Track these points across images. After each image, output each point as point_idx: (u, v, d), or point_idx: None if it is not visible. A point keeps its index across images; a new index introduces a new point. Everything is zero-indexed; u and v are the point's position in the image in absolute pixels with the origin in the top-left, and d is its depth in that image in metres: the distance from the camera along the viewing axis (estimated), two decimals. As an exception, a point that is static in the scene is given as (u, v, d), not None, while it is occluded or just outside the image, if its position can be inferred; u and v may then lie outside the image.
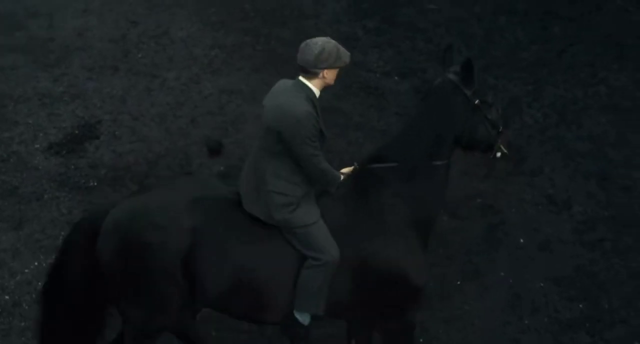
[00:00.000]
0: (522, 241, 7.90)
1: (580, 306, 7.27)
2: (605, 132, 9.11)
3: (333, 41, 5.32)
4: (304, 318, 5.58)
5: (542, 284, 7.46)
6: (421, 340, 6.88)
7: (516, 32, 10.79)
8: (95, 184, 8.40)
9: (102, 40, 10.60)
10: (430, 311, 7.04)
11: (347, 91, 9.68)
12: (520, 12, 11.16)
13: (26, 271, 7.43)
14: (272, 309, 5.54)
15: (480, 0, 11.38)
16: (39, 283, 7.16)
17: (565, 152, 8.86)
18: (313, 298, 5.44)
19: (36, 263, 7.49)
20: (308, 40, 5.31)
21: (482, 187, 8.33)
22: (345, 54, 5.35)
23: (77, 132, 9.08)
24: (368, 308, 5.69)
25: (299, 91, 5.31)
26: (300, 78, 5.36)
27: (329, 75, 5.35)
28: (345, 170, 5.72)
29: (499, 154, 5.75)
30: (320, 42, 5.25)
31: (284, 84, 5.47)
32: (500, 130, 5.69)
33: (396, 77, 10.08)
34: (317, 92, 5.36)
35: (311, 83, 5.33)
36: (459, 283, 7.49)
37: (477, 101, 5.51)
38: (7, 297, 7.20)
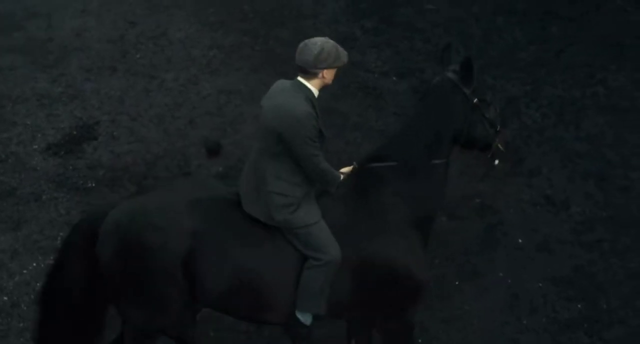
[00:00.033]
0: (520, 241, 7.90)
1: (579, 306, 7.27)
2: (603, 133, 9.11)
3: (331, 41, 5.33)
4: (305, 318, 5.58)
5: (540, 285, 7.46)
6: (420, 340, 6.88)
7: (514, 32, 10.80)
8: (94, 184, 8.40)
9: (100, 40, 10.60)
10: (429, 312, 7.04)
11: (345, 91, 9.68)
12: (518, 12, 11.17)
13: (24, 271, 7.43)
14: (273, 309, 5.55)
15: (479, 1, 11.39)
16: (38, 284, 7.17)
17: (564, 153, 8.86)
18: (315, 298, 5.44)
19: (34, 264, 7.49)
20: (306, 41, 5.31)
21: (480, 187, 8.33)
22: (344, 54, 5.36)
23: (75, 132, 9.08)
24: (369, 308, 5.70)
25: (298, 91, 5.32)
26: (299, 78, 5.36)
27: (328, 75, 5.36)
28: (344, 170, 5.74)
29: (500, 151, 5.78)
30: (319, 42, 5.26)
31: (282, 84, 5.47)
32: (498, 129, 5.72)
33: (394, 77, 10.08)
34: (316, 92, 5.36)
35: (310, 83, 5.33)
36: (457, 283, 7.49)
37: (475, 100, 5.54)
38: (5, 298, 7.20)
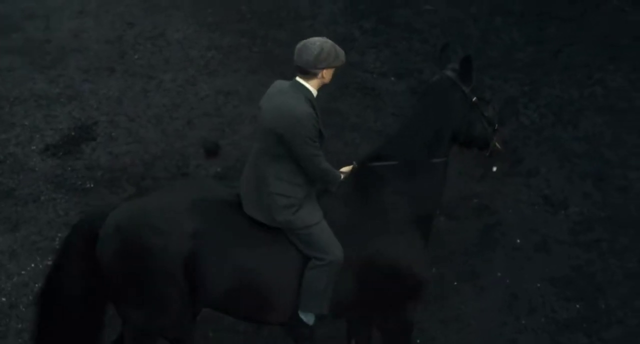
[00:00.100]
0: (518, 241, 7.90)
1: (577, 306, 7.28)
2: (601, 133, 9.12)
3: (330, 41, 5.34)
4: (308, 318, 5.58)
5: (538, 285, 7.46)
6: (418, 341, 6.88)
7: (512, 33, 10.80)
8: (92, 185, 8.40)
9: (98, 41, 10.60)
10: (427, 312, 7.04)
11: (344, 92, 9.69)
12: (516, 13, 11.18)
13: (23, 272, 7.42)
14: (275, 310, 5.55)
15: (476, 1, 11.40)
16: (36, 285, 7.16)
17: (562, 153, 8.87)
18: (317, 298, 5.45)
19: (33, 265, 7.48)
20: (305, 41, 5.31)
21: (478, 188, 8.34)
22: (342, 53, 5.38)
23: (73, 133, 9.07)
24: (371, 307, 5.71)
25: (297, 92, 5.32)
26: (298, 79, 5.36)
27: (327, 74, 5.37)
28: (345, 169, 5.76)
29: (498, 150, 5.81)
30: (319, 43, 5.27)
31: (280, 85, 5.47)
32: (496, 127, 5.74)
33: (393, 78, 10.08)
34: (314, 92, 5.37)
35: (309, 83, 5.34)
36: (455, 283, 7.49)
37: (474, 98, 5.57)
38: (4, 299, 7.19)
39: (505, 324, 7.12)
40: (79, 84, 9.83)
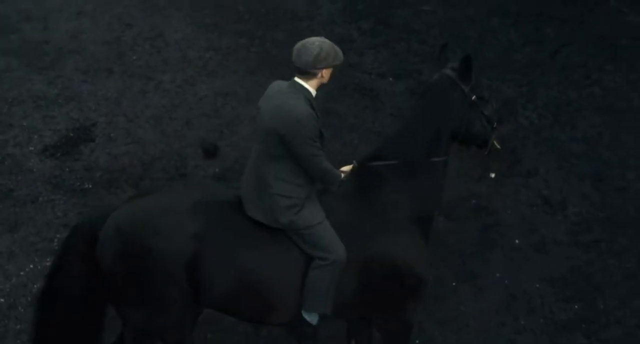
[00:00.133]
0: (517, 242, 7.91)
1: (576, 307, 7.28)
2: (599, 133, 9.13)
3: (328, 40, 5.35)
4: (312, 318, 5.59)
5: (537, 285, 7.47)
6: (417, 341, 6.88)
7: (509, 34, 10.81)
8: (90, 186, 8.39)
9: (96, 42, 10.60)
10: (426, 312, 7.04)
11: (342, 92, 9.69)
12: (513, 14, 11.19)
13: (21, 273, 7.42)
14: (279, 310, 5.56)
15: (474, 2, 11.40)
16: (35, 286, 7.16)
17: (560, 154, 8.88)
18: (321, 297, 5.46)
19: (31, 266, 7.48)
20: (303, 42, 5.31)
21: (477, 188, 8.34)
22: (340, 52, 5.39)
23: (71, 134, 9.07)
24: (372, 306, 5.72)
25: (296, 92, 5.32)
26: (296, 79, 5.37)
27: (326, 74, 5.38)
28: (344, 168, 5.77)
29: (496, 148, 5.85)
30: (317, 43, 5.27)
31: (279, 85, 5.47)
32: (494, 125, 5.78)
33: (391, 79, 10.09)
34: (313, 92, 5.38)
35: (308, 84, 5.34)
36: (454, 284, 7.50)
37: (474, 97, 5.60)
38: (2, 300, 7.18)
39: (503, 325, 7.12)
40: (77, 85, 9.83)
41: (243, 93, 9.69)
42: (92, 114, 9.38)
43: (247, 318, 5.82)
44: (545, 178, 8.60)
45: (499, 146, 5.83)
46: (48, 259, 7.45)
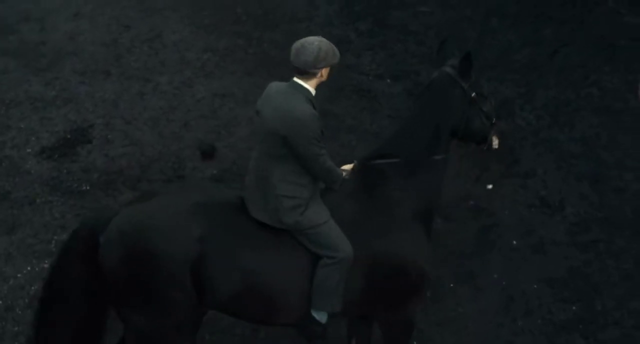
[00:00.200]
0: (515, 243, 7.90)
1: (574, 307, 7.28)
2: (597, 134, 9.12)
3: (325, 39, 5.36)
4: (321, 317, 5.59)
5: (535, 286, 7.47)
6: (415, 343, 6.87)
7: (508, 35, 10.80)
8: (88, 188, 8.39)
9: (94, 44, 10.59)
10: (424, 314, 7.04)
11: (340, 94, 9.69)
12: (511, 15, 11.18)
13: (19, 275, 7.41)
14: (285, 311, 5.56)
15: (472, 3, 11.40)
16: (32, 288, 7.16)
17: (558, 154, 8.87)
18: (330, 296, 5.47)
19: (29, 268, 7.47)
20: (302, 42, 5.32)
21: (475, 189, 8.34)
22: (337, 51, 5.41)
23: (69, 136, 9.06)
24: (377, 303, 5.73)
25: (296, 93, 5.32)
26: (295, 79, 5.37)
27: (325, 73, 5.41)
28: (346, 167, 5.80)
29: (495, 144, 5.89)
30: (316, 42, 5.28)
31: (277, 86, 5.46)
32: (493, 121, 5.82)
33: (389, 80, 10.08)
34: (313, 92, 5.39)
35: (308, 83, 5.35)
36: (452, 285, 7.49)
37: (473, 94, 5.64)
38: (0, 302, 7.18)
39: (502, 326, 7.12)
40: (74, 87, 9.82)
41: (241, 94, 9.68)
42: (90, 115, 9.37)
43: (252, 319, 5.79)
44: (543, 179, 8.59)
45: (497, 142, 5.87)
46: (46, 261, 7.44)
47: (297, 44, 5.31)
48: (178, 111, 9.48)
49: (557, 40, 10.65)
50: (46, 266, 7.38)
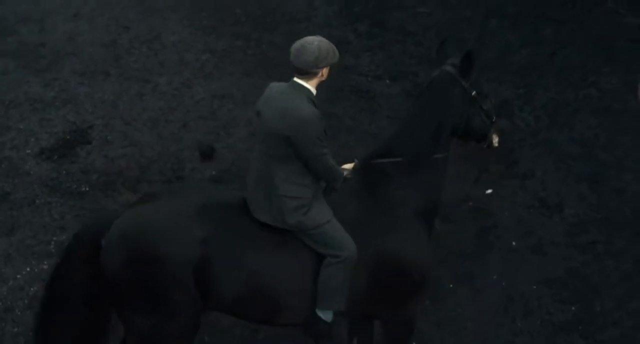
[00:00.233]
0: (514, 243, 7.90)
1: (573, 308, 7.28)
2: (596, 135, 9.12)
3: (324, 39, 5.37)
4: (326, 316, 5.59)
5: (534, 287, 7.46)
6: (414, 343, 6.88)
7: (507, 35, 10.80)
8: (87, 189, 8.39)
9: (93, 45, 10.59)
10: (423, 314, 7.03)
11: (339, 95, 9.69)
12: (511, 15, 11.18)
13: (18, 276, 7.41)
14: (289, 311, 5.56)
15: (471, 4, 11.40)
16: (31, 289, 7.16)
17: (557, 155, 8.87)
18: (335, 294, 5.47)
19: (28, 269, 7.46)
20: (301, 42, 5.31)
21: (474, 190, 8.34)
22: (336, 50, 5.42)
23: (68, 137, 9.06)
24: (380, 302, 5.74)
25: (297, 93, 5.32)
26: (296, 79, 5.36)
27: (326, 72, 5.41)
28: (346, 166, 5.81)
29: (495, 142, 5.92)
30: (316, 42, 5.29)
31: (277, 87, 5.46)
32: (493, 120, 5.84)
33: (387, 81, 10.09)
34: (314, 91, 5.38)
35: (308, 83, 5.35)
36: (451, 286, 7.50)
37: (474, 93, 5.66)
38: (-1, 303, 7.20)
39: (501, 327, 7.12)
40: (74, 88, 9.82)
41: (239, 95, 9.69)
42: (89, 116, 9.37)
43: (257, 320, 5.78)
44: (543, 180, 8.59)
45: (497, 140, 5.88)
46: (45, 262, 7.45)
47: (297, 44, 5.31)
48: (177, 112, 9.48)
49: (556, 41, 10.65)
50: (45, 267, 7.39)
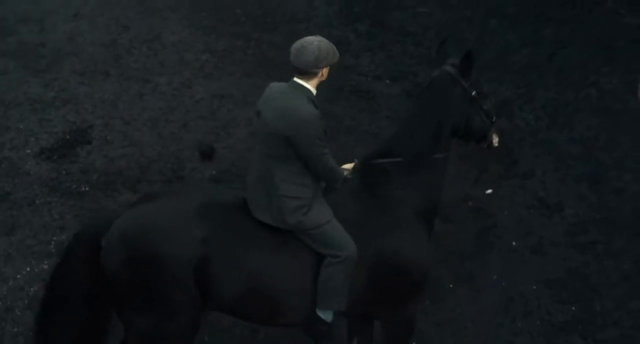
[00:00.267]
0: (514, 243, 7.91)
1: (573, 308, 7.28)
2: (596, 135, 9.12)
3: (323, 38, 5.38)
4: (327, 316, 5.59)
5: (534, 287, 7.47)
6: (414, 343, 6.88)
7: (507, 35, 10.81)
8: (87, 189, 8.39)
9: (93, 44, 10.60)
10: (423, 314, 7.04)
11: (339, 95, 9.69)
12: (511, 15, 11.18)
13: (18, 276, 7.41)
14: (289, 311, 5.56)
15: (471, 4, 11.40)
16: (32, 289, 7.16)
17: (557, 155, 8.87)
18: (336, 294, 5.47)
19: (28, 269, 7.47)
20: (301, 42, 5.31)
21: (474, 190, 8.34)
22: (336, 49, 5.42)
23: (68, 137, 9.06)
24: (380, 302, 5.74)
25: (298, 93, 5.32)
26: (296, 79, 5.36)
27: (326, 72, 5.41)
28: (346, 166, 5.81)
29: (495, 142, 5.93)
30: (316, 42, 5.29)
31: (278, 87, 5.46)
32: (493, 120, 5.85)
33: (387, 81, 10.09)
34: (314, 91, 5.38)
35: (309, 83, 5.35)
36: (451, 286, 7.50)
37: (474, 92, 5.66)
38: (-1, 303, 7.20)
39: (501, 327, 7.12)
40: (74, 88, 9.83)
41: (239, 95, 9.69)
42: (89, 116, 9.38)
43: (257, 320, 5.78)
44: (542, 180, 8.59)
45: (497, 140, 5.89)
46: (45, 262, 7.45)
47: (297, 44, 5.31)
48: (177, 112, 9.48)
49: (556, 41, 10.65)
50: (45, 267, 7.39)
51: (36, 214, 8.07)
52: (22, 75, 10.01)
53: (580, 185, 8.50)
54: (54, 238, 7.70)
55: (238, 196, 5.62)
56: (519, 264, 7.70)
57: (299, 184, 5.39)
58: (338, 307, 5.54)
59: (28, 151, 8.85)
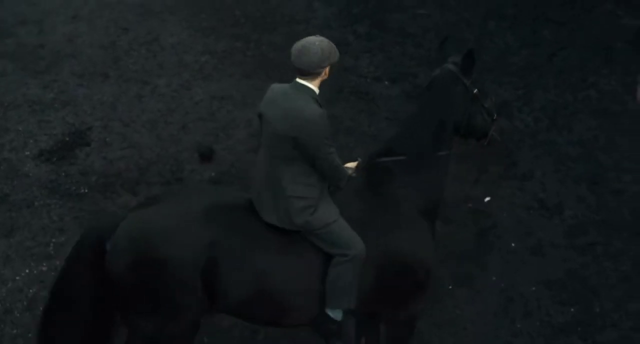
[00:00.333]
0: (513, 245, 7.91)
1: (572, 309, 7.28)
2: (595, 137, 9.13)
3: (323, 38, 5.37)
4: (336, 314, 5.59)
5: (534, 288, 7.47)
6: (414, 344, 6.89)
7: (506, 37, 10.81)
8: (86, 191, 8.38)
9: (92, 46, 10.58)
10: (422, 315, 7.03)
11: (338, 96, 9.69)
12: (510, 17, 11.19)
13: (17, 278, 7.40)
14: (297, 312, 5.55)
15: (470, 5, 11.41)
16: (31, 291, 7.15)
17: (556, 157, 8.88)
18: (344, 293, 5.47)
19: (27, 271, 7.46)
20: (302, 42, 5.29)
21: (473, 191, 8.34)
22: (336, 49, 5.42)
23: (67, 139, 9.05)
24: (385, 300, 5.74)
25: (301, 93, 5.30)
26: (298, 80, 5.34)
27: (328, 71, 5.40)
28: (350, 164, 5.82)
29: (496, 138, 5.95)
30: (317, 42, 5.28)
31: (280, 88, 5.44)
32: (494, 117, 5.86)
33: (387, 82, 10.09)
34: (317, 91, 5.37)
35: (311, 83, 5.33)
36: (451, 287, 7.49)
37: (475, 90, 5.67)
38: (-2, 305, 7.19)
39: (500, 328, 7.12)
40: (72, 89, 9.81)
41: (239, 97, 9.68)
42: (88, 118, 9.37)
43: (265, 321, 5.76)
44: (542, 181, 8.60)
45: (498, 138, 5.90)
46: (44, 264, 7.44)
47: (298, 45, 5.29)
48: (176, 114, 9.47)
49: (555, 42, 10.66)
50: (44, 268, 7.38)
51: (35, 216, 8.06)
52: (21, 77, 10.00)
53: (580, 186, 8.51)
54: (53, 240, 7.69)
55: (244, 198, 5.61)
56: (518, 265, 7.70)
57: (305, 184, 5.38)
58: (347, 305, 5.53)
59: (27, 153, 8.84)
